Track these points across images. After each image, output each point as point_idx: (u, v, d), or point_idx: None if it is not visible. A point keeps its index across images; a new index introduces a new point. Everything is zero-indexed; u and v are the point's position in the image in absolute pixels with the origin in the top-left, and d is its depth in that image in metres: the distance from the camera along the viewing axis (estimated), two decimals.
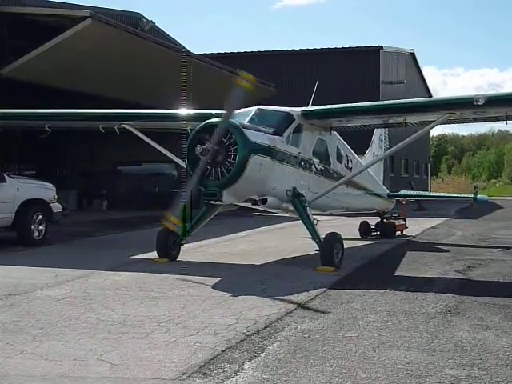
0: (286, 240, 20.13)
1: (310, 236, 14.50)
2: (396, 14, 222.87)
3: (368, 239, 21.05)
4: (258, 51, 48.43)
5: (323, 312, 9.64)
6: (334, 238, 14.11)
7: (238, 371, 6.77)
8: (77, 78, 26.10)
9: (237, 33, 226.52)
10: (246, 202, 14.49)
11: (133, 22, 32.97)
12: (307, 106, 16.22)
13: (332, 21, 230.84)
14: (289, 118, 15.09)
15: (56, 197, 18.50)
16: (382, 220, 21.77)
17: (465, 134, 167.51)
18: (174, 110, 18.29)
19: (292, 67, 44.67)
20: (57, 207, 18.43)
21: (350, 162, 18.04)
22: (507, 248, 18.53)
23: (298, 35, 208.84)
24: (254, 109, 14.98)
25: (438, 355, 7.37)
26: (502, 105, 14.48)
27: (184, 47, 35.28)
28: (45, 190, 18.29)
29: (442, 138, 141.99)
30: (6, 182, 16.97)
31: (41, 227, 17.71)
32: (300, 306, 10.05)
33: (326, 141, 16.51)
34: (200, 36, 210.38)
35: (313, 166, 15.75)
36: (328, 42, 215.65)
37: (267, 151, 13.76)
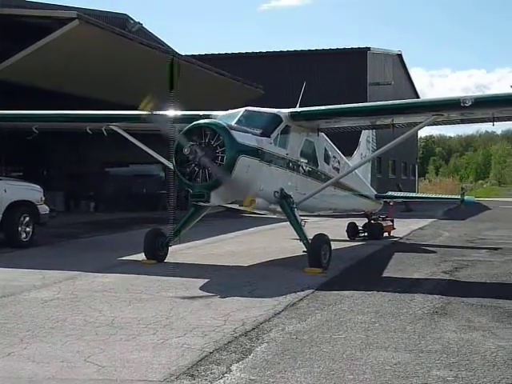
0: (274, 241, 20.14)
1: (298, 237, 14.50)
2: (383, 16, 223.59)
3: (356, 240, 21.08)
4: (246, 52, 48.51)
5: (311, 313, 9.65)
6: (322, 240, 14.12)
7: (226, 373, 6.77)
8: (64, 79, 26.00)
9: (224, 34, 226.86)
10: (233, 203, 14.49)
11: (120, 23, 32.91)
12: (295, 107, 16.24)
13: (319, 22, 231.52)
14: (276, 119, 15.09)
15: (43, 198, 18.44)
16: (369, 221, 21.81)
17: (452, 135, 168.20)
18: (161, 111, 18.26)
19: (279, 68, 44.75)
20: (44, 209, 18.37)
21: (337, 164, 18.07)
22: (494, 249, 18.61)
23: (285, 36, 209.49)
24: (241, 110, 14.98)
25: (426, 356, 7.39)
26: (488, 106, 14.53)
27: (171, 48, 35.29)
28: (32, 192, 18.23)
29: (429, 139, 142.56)
30: None
31: (28, 229, 17.65)
32: (288, 307, 10.06)
33: (314, 142, 16.53)
34: (187, 37, 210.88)
35: (300, 168, 15.77)
36: (315, 43, 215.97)
37: (255, 152, 13.77)
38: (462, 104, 14.01)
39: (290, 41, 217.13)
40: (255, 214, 16.48)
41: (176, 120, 15.36)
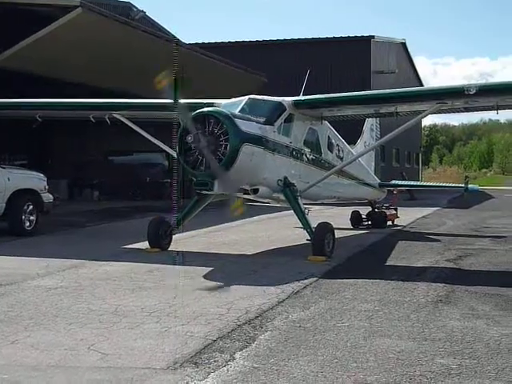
0: (278, 230, 20.15)
1: (302, 226, 14.50)
2: (387, 5, 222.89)
3: (359, 229, 21.07)
4: (250, 41, 48.33)
5: (314, 301, 9.65)
6: (326, 228, 14.12)
7: (229, 361, 6.77)
8: (67, 67, 25.96)
9: (227, 23, 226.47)
10: (237, 191, 14.47)
11: (123, 11, 32.77)
12: (298, 95, 16.20)
13: (323, 12, 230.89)
14: (280, 107, 15.07)
15: (47, 187, 18.44)
16: (373, 210, 21.79)
17: (456, 123, 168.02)
18: (164, 99, 18.23)
19: (283, 57, 44.56)
20: (48, 197, 18.37)
21: (341, 152, 18.05)
22: (498, 237, 18.59)
23: (288, 25, 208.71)
24: (245, 98, 14.96)
25: (429, 344, 7.39)
26: (493, 94, 14.49)
27: (175, 37, 35.19)
28: (35, 180, 18.24)
29: (433, 128, 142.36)
30: None
31: (32, 217, 17.67)
32: (291, 295, 10.06)
33: (317, 130, 16.51)
34: (190, 26, 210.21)
35: (304, 156, 15.75)
36: (318, 33, 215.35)
37: (258, 141, 13.76)
38: (466, 92, 13.98)
39: (291, 30, 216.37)
40: (259, 202, 16.46)
41: (182, 108, 15.32)
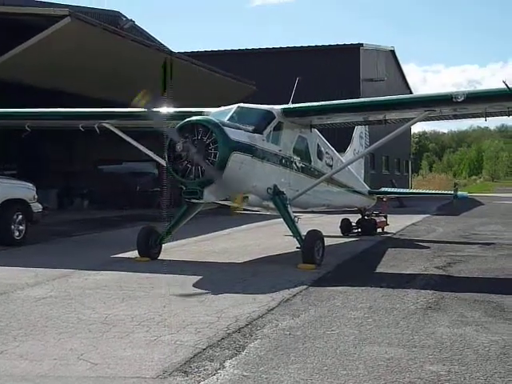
0: (267, 238, 20.15)
1: (291, 234, 14.51)
2: (376, 11, 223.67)
3: (349, 236, 21.09)
4: (239, 49, 48.50)
5: (304, 309, 9.65)
6: (315, 236, 14.13)
7: (219, 369, 6.77)
8: (56, 76, 25.96)
9: (215, 31, 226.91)
10: (226, 200, 14.49)
11: (112, 20, 32.87)
12: (288, 103, 16.24)
13: (311, 18, 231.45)
14: (269, 115, 15.10)
15: (36, 196, 18.40)
16: (363, 217, 21.83)
17: (445, 130, 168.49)
18: (154, 108, 18.24)
19: (272, 65, 44.71)
20: (37, 207, 18.33)
21: (330, 160, 18.09)
22: (487, 244, 18.64)
23: (277, 33, 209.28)
24: (234, 107, 15.00)
25: (419, 351, 7.41)
26: (481, 101, 14.54)
27: (164, 45, 35.24)
28: (25, 190, 18.19)
29: (422, 135, 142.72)
30: None
31: (21, 227, 17.62)
32: (281, 303, 10.06)
33: (307, 138, 16.54)
34: (178, 34, 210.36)
35: (293, 164, 15.77)
36: (307, 40, 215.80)
37: (247, 149, 13.78)
38: (454, 99, 14.05)
39: (280, 37, 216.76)
40: (248, 210, 16.47)
41: (169, 117, 15.35)
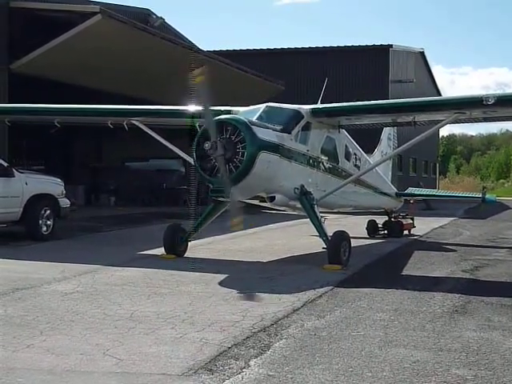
0: (294, 238, 20.13)
1: (318, 234, 14.48)
2: (404, 14, 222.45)
3: (375, 238, 21.01)
4: (267, 49, 48.44)
5: (330, 310, 9.63)
6: (342, 237, 14.08)
7: (244, 368, 6.77)
8: (86, 73, 26.10)
9: (243, 29, 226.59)
10: (253, 199, 14.49)
11: (142, 18, 32.97)
12: (316, 103, 16.20)
13: (338, 19, 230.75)
14: (297, 115, 15.07)
15: (64, 192, 18.54)
16: (389, 219, 21.73)
17: (474, 133, 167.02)
18: (182, 106, 18.29)
19: (300, 65, 44.62)
20: (65, 202, 18.47)
21: (358, 161, 18.01)
22: None
23: (304, 33, 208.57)
24: (262, 106, 14.98)
25: (445, 355, 7.36)
26: (511, 104, 14.43)
27: (193, 44, 35.30)
28: (53, 185, 18.34)
29: (450, 138, 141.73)
30: (14, 176, 17.03)
31: (49, 222, 17.76)
32: (307, 303, 10.05)
33: (335, 139, 16.48)
34: (208, 33, 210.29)
35: (321, 164, 15.73)
36: (334, 40, 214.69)
37: (275, 148, 13.76)
38: (484, 102, 13.92)
39: (308, 37, 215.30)
40: (275, 210, 16.47)
41: (198, 115, 15.34)
